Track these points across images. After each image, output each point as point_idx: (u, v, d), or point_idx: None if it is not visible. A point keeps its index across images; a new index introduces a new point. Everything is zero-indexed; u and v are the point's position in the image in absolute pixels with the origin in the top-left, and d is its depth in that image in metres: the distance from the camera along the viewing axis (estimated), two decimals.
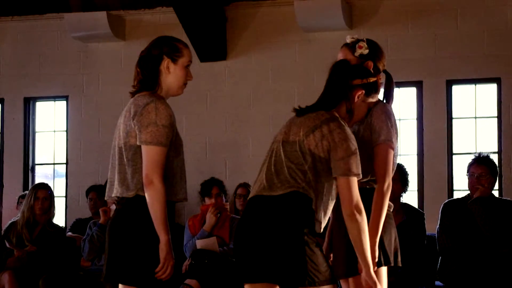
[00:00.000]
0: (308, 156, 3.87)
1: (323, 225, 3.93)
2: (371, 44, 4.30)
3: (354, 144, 3.87)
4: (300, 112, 4.07)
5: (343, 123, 3.93)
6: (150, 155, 3.85)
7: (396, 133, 4.20)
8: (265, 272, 3.79)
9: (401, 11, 8.27)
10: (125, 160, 3.93)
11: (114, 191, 3.99)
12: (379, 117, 4.16)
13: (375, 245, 4.05)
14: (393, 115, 4.24)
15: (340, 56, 4.31)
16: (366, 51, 4.25)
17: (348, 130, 3.92)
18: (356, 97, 4.03)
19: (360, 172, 3.85)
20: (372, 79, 4.07)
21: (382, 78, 4.37)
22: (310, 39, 8.42)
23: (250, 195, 3.98)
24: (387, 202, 4.10)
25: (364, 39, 4.30)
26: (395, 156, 4.23)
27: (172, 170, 3.94)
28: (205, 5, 8.34)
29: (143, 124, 3.87)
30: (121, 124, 4.00)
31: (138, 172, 3.89)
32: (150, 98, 3.94)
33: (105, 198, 4.15)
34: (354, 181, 3.84)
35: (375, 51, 4.30)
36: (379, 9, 8.31)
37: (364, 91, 4.04)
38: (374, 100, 4.13)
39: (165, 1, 8.65)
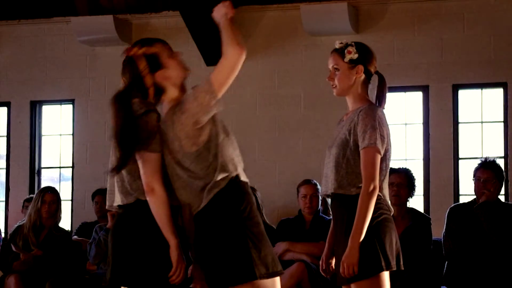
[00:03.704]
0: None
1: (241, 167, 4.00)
2: (360, 47, 4.30)
3: None
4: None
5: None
6: (146, 162, 3.86)
7: (384, 135, 4.16)
8: (218, 277, 3.83)
9: (407, 15, 8.27)
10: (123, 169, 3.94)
11: (115, 200, 3.99)
12: (363, 120, 4.15)
13: (358, 247, 4.05)
14: (381, 116, 4.19)
15: (330, 62, 4.33)
16: (355, 56, 4.26)
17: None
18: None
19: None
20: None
21: (374, 81, 4.37)
22: (316, 44, 8.42)
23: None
24: (372, 205, 4.08)
25: (353, 43, 4.30)
26: (386, 159, 4.21)
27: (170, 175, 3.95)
28: (211, 9, 8.33)
29: None
30: None
31: (136, 179, 3.90)
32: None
33: (106, 207, 4.16)
34: None
35: (365, 54, 4.30)
36: (386, 13, 8.31)
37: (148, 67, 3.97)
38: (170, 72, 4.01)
39: (171, 5, 8.66)
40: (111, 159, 4.00)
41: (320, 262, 4.47)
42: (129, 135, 3.83)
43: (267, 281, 3.83)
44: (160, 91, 3.98)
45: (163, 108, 4.01)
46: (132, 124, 3.83)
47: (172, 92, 3.99)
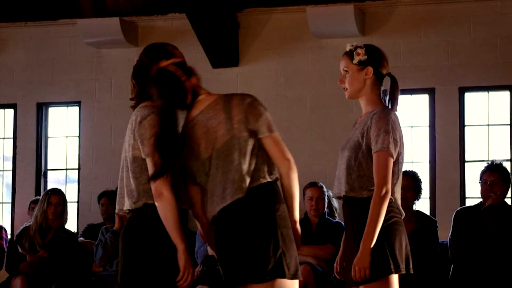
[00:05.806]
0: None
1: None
2: (370, 49, 4.29)
3: None
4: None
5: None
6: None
7: (397, 139, 4.16)
8: (244, 273, 3.81)
9: (413, 18, 8.26)
10: (130, 172, 3.94)
11: (125, 203, 4.00)
12: (376, 124, 4.15)
13: (370, 251, 4.05)
14: (394, 120, 4.20)
15: (341, 65, 4.33)
16: (364, 58, 4.26)
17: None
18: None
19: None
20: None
21: (387, 83, 4.36)
22: (322, 46, 8.42)
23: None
24: (384, 209, 4.08)
25: (363, 45, 4.29)
26: (399, 163, 4.21)
27: (177, 178, 3.94)
28: (217, 11, 8.35)
29: (145, 136, 3.88)
30: (126, 136, 4.01)
31: (142, 184, 3.90)
32: (151, 109, 3.93)
33: (116, 211, 4.15)
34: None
35: (375, 56, 4.29)
36: (392, 16, 8.30)
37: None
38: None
39: (177, 7, 8.66)
40: (123, 148, 4.00)
41: (335, 265, 4.47)
42: (172, 145, 3.84)
43: (288, 282, 3.83)
44: (196, 94, 3.97)
45: (195, 108, 3.97)
46: (175, 134, 3.86)
47: (202, 92, 4.01)
